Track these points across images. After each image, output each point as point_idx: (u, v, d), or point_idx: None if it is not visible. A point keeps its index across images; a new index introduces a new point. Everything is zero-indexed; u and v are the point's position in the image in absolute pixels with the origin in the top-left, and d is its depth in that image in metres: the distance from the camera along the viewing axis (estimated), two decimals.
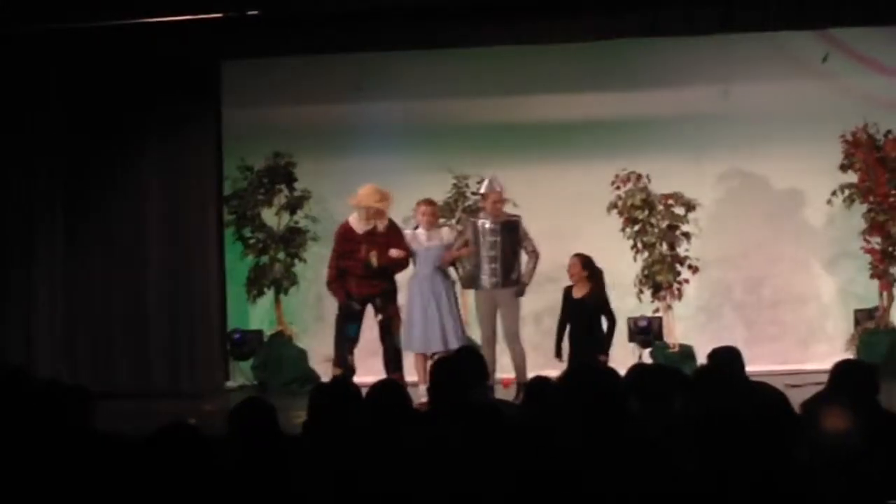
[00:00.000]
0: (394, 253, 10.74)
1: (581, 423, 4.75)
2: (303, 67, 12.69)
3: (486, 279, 10.89)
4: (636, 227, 12.11)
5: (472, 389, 5.78)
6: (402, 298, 11.03)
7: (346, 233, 10.90)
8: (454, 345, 10.56)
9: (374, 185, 10.89)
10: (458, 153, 12.60)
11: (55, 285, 12.33)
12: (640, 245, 12.13)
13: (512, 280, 10.90)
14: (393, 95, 12.92)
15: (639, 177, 12.07)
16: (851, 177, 12.09)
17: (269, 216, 12.73)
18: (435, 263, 10.90)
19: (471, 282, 11.15)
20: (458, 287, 11.46)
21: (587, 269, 10.67)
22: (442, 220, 11.61)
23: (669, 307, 12.20)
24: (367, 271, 10.78)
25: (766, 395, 6.17)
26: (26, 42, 11.67)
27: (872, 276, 12.21)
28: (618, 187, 12.08)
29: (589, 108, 12.86)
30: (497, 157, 12.40)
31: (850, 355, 11.49)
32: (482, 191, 11.18)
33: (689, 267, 12.09)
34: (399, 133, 13.09)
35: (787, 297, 12.99)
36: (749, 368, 6.67)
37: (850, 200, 12.08)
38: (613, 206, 12.05)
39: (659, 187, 12.09)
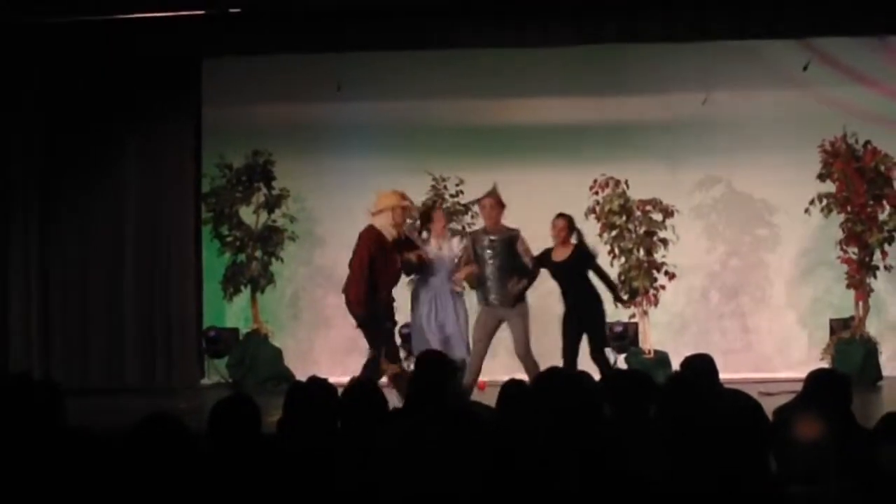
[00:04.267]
0: (417, 256, 10.12)
1: (554, 427, 4.75)
2: (283, 66, 12.66)
3: (490, 296, 10.24)
4: (613, 233, 12.13)
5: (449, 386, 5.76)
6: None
7: (378, 239, 9.87)
8: (459, 355, 10.03)
9: (385, 190, 10.22)
10: (437, 155, 12.62)
11: (30, 280, 12.29)
12: (617, 250, 12.15)
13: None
14: (373, 96, 12.91)
15: (617, 182, 12.10)
16: (829, 186, 12.11)
17: (246, 214, 12.71)
18: (447, 275, 10.31)
19: (480, 296, 10.43)
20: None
21: (573, 229, 10.34)
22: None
23: (645, 313, 12.22)
24: (396, 280, 10.15)
25: (739, 403, 6.16)
26: (4, 36, 11.61)
27: (849, 286, 12.23)
28: (596, 192, 12.10)
29: (568, 113, 12.90)
30: (475, 159, 12.42)
31: (824, 364, 11.52)
32: (479, 197, 10.60)
33: (666, 273, 12.11)
34: (378, 133, 13.10)
35: (762, 306, 13.04)
36: (723, 376, 6.65)
37: (827, 210, 12.10)
38: (591, 211, 12.06)
39: (637, 193, 12.12)
